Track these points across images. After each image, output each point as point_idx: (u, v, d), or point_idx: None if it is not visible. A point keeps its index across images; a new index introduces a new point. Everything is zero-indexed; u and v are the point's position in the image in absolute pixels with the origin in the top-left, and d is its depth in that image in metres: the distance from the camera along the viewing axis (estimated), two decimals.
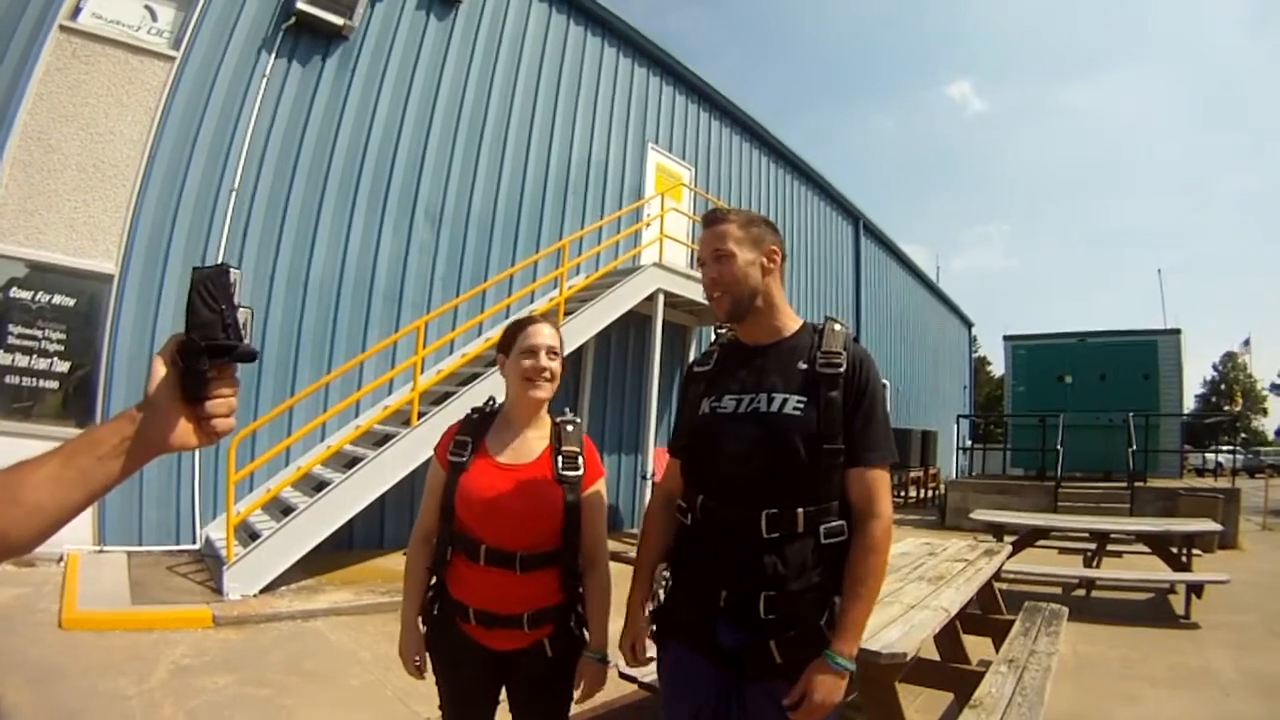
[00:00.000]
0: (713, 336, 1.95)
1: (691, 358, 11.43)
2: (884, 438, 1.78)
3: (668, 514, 2.00)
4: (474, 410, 2.16)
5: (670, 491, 2.02)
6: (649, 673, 2.06)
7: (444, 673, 2.07)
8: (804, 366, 1.78)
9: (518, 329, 2.12)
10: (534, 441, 2.08)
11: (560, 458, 2.04)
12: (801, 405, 1.73)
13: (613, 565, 2.07)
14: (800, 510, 1.70)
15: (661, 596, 1.89)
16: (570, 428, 2.11)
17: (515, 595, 1.96)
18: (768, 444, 1.72)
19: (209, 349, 0.87)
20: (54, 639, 4.53)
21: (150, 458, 0.90)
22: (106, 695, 3.80)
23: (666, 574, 1.90)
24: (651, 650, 2.00)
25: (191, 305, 0.87)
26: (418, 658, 2.08)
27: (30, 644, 4.36)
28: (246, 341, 0.91)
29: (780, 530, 1.70)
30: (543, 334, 2.08)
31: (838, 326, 1.85)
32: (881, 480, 1.75)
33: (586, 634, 2.04)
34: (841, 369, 1.75)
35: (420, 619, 2.09)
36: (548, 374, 2.06)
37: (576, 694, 2.05)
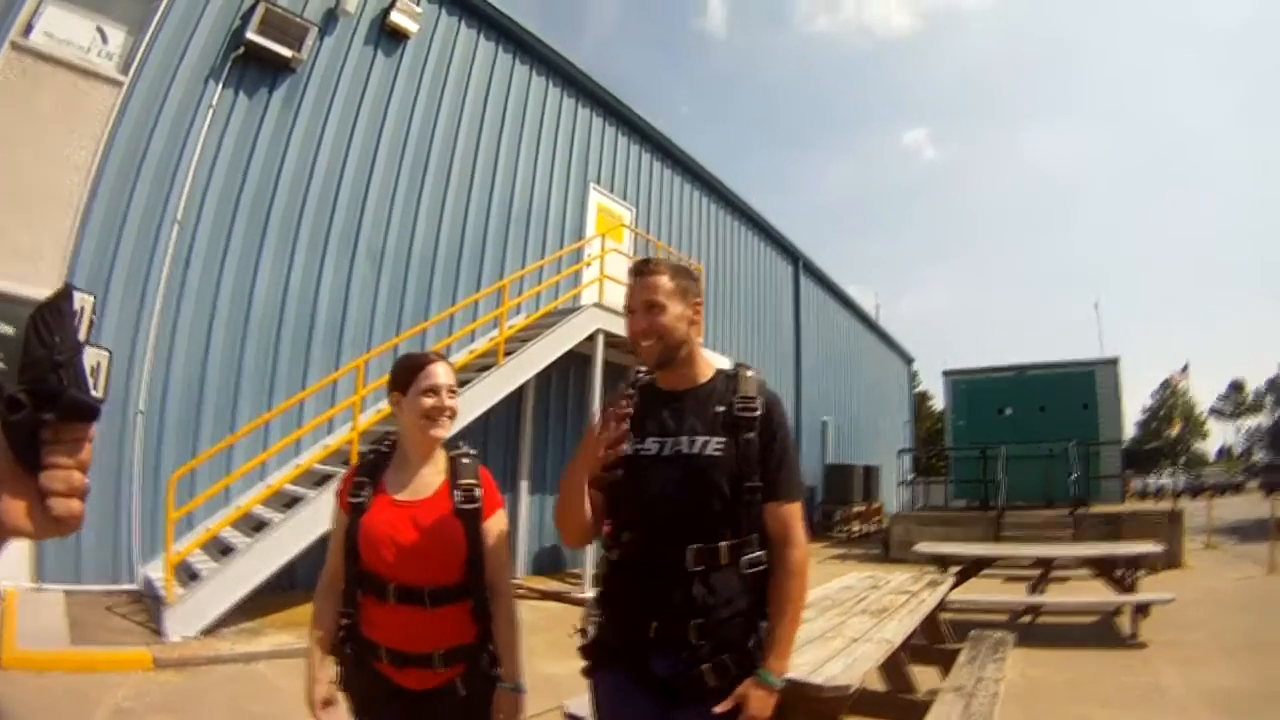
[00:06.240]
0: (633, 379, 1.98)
1: None
2: (796, 475, 1.95)
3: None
4: (370, 450, 2.16)
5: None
6: (584, 705, 2.09)
7: (360, 713, 2.04)
8: (721, 409, 1.89)
9: (416, 367, 2.09)
10: (430, 477, 2.08)
11: (457, 491, 2.04)
12: (721, 446, 1.84)
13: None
14: (723, 544, 1.80)
15: (590, 631, 1.94)
16: (466, 460, 2.12)
17: (426, 633, 1.95)
18: (692, 483, 1.82)
19: (22, 397, 0.63)
20: None
21: None
22: None
23: (595, 611, 1.95)
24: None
25: (25, 341, 0.66)
26: (323, 702, 1.98)
27: None
28: (96, 393, 0.66)
29: (705, 563, 1.79)
30: (442, 373, 2.08)
31: (750, 373, 1.98)
32: (796, 513, 1.90)
33: (499, 671, 2.02)
34: (758, 413, 1.88)
35: (333, 658, 2.04)
36: (449, 413, 2.07)
37: None
